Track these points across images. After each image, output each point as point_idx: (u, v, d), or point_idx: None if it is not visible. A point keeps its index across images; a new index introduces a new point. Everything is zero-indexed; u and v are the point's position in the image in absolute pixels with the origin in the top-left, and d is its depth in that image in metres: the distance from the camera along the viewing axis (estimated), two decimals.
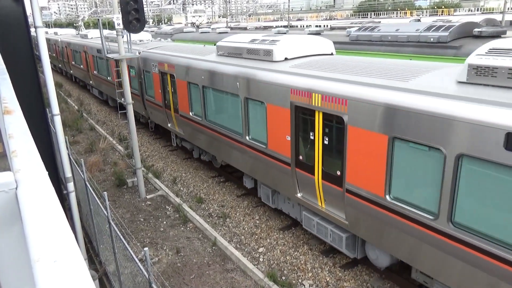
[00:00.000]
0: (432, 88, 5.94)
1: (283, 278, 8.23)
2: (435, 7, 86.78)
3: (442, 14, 63.21)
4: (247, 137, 9.97)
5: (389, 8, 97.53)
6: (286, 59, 9.34)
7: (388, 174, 6.49)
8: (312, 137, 8.03)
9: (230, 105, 10.48)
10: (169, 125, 14.69)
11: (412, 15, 67.51)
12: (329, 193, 7.93)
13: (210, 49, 12.63)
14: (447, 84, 5.91)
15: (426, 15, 67.66)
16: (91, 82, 25.10)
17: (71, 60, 29.57)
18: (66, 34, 36.50)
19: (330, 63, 8.40)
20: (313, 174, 8.14)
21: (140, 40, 18.31)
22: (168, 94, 13.89)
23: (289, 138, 8.51)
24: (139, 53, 15.21)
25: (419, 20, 29.54)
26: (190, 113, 12.54)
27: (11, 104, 1.82)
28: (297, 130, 8.34)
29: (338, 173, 7.56)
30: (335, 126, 7.44)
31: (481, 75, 5.59)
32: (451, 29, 12.25)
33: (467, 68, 5.72)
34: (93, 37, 25.73)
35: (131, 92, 14.64)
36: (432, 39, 12.41)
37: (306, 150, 8.25)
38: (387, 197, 6.58)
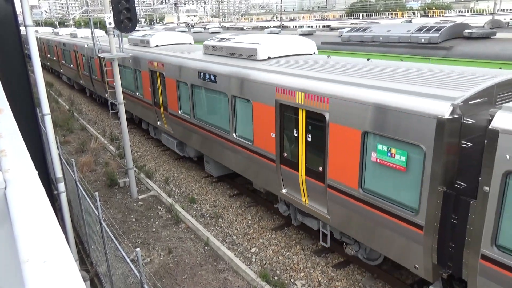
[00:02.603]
0: (193, 56, 11.73)
1: (276, 278, 8.24)
2: (426, 8, 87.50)
3: (433, 15, 63.71)
4: (137, 93, 15.86)
5: (381, 9, 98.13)
6: (157, 46, 14.97)
7: (178, 99, 12.45)
8: (153, 86, 14.20)
9: (132, 75, 16.17)
10: (106, 95, 20.64)
11: (403, 16, 68.02)
12: (165, 116, 13.77)
13: (125, 41, 18.23)
14: (200, 54, 11.65)
15: (417, 16, 68.21)
16: (61, 70, 30.62)
17: (47, 54, 34.37)
18: (45, 32, 41.29)
19: (174, 48, 14.03)
20: (159, 107, 14.11)
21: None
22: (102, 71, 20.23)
23: (150, 89, 14.39)
24: (87, 45, 21.53)
25: (410, 21, 29.76)
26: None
27: (0, 103, 1.79)
28: (152, 83, 14.25)
29: (160, 101, 13.77)
30: (159, 79, 13.62)
31: (206, 49, 11.47)
32: (441, 30, 12.36)
33: (203, 46, 11.69)
34: (63, 34, 31.40)
35: (85, 75, 23.66)
36: (423, 40, 12.51)
37: (156, 95, 14.15)
38: (179, 111, 12.60)
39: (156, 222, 10.55)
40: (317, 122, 7.37)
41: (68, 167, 9.48)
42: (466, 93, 5.54)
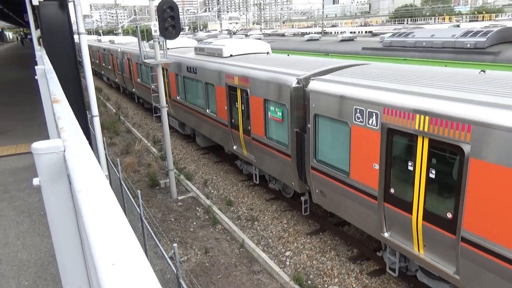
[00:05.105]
0: (186, 55, 15.18)
1: (309, 282, 8.24)
2: (476, 13, 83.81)
3: (483, 20, 60.89)
4: (152, 86, 18.13)
5: (427, 13, 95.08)
6: (168, 48, 18.88)
7: (177, 88, 16.23)
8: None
9: (146, 71, 19.99)
10: (133, 90, 25.62)
11: (451, 21, 65.49)
12: (170, 102, 17.33)
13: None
14: (192, 54, 15.06)
15: (466, 20, 65.45)
16: (102, 72, 36.69)
17: (91, 58, 39.91)
18: (90, 40, 47.29)
19: (178, 50, 17.11)
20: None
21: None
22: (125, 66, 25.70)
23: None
24: (120, 50, 26.41)
25: (458, 26, 28.72)
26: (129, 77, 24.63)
27: (58, 96, 2.07)
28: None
29: (166, 90, 16.42)
30: (165, 74, 16.99)
31: (196, 50, 15.04)
32: (489, 34, 11.89)
33: (193, 49, 15.40)
34: (104, 41, 37.93)
35: (118, 74, 28.99)
36: (468, 45, 12.09)
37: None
38: (178, 97, 16.21)
39: (194, 223, 10.86)
40: (245, 96, 10.95)
41: (113, 167, 10.01)
42: (308, 72, 8.99)
